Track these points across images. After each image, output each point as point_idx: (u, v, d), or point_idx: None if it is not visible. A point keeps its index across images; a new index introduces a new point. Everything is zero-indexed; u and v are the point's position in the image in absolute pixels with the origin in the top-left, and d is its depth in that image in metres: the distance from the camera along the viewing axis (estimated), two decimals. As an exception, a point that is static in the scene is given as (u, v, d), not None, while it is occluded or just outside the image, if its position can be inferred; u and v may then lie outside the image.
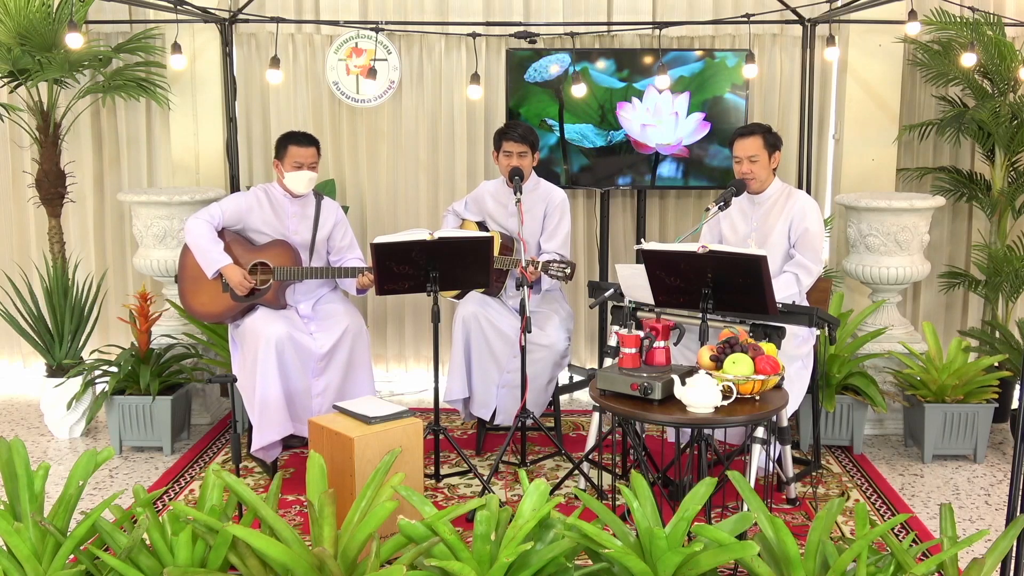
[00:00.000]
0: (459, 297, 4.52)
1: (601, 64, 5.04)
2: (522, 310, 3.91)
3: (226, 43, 5.11)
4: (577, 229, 5.49)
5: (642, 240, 5.22)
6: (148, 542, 2.65)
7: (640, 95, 5.05)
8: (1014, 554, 2.63)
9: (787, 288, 3.92)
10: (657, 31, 5.10)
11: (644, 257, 3.48)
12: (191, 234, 4.17)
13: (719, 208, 3.90)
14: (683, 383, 3.18)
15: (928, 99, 5.32)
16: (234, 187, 5.18)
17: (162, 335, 4.79)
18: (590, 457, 3.95)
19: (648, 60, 5.03)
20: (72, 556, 2.65)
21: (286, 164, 4.25)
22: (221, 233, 4.23)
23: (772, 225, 4.04)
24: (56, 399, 4.68)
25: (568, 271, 4.03)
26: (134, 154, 5.53)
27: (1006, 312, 5.03)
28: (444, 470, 4.21)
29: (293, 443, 4.43)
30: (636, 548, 2.51)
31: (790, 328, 3.77)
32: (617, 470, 3.94)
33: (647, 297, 3.62)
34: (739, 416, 3.15)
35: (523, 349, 4.01)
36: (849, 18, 4.96)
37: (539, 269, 4.06)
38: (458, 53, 5.36)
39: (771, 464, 3.76)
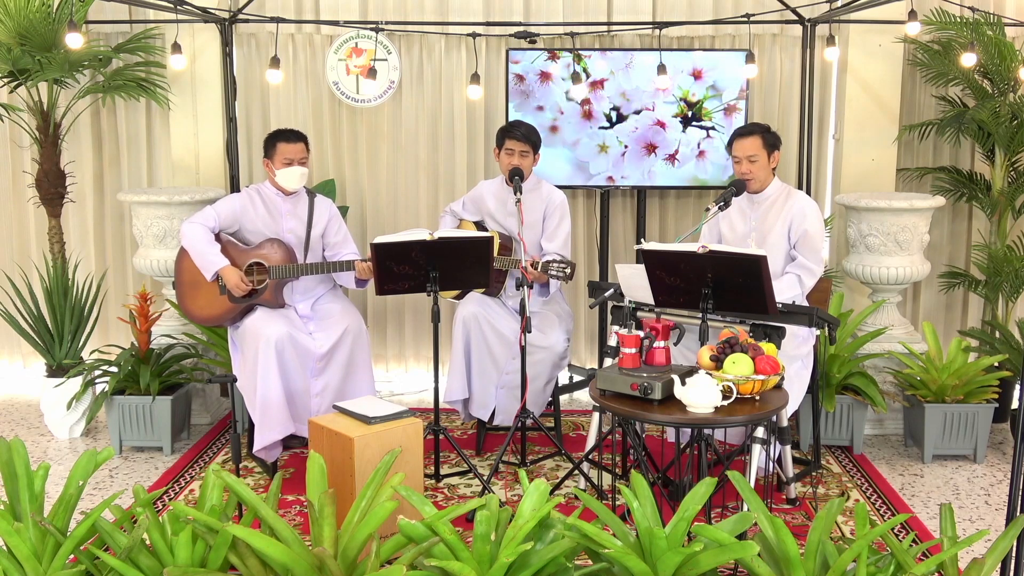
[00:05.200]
0: (459, 298, 4.52)
1: (601, 64, 5.04)
2: (522, 310, 3.91)
3: (226, 43, 5.11)
4: (577, 229, 5.49)
5: (642, 240, 5.22)
6: (148, 542, 2.65)
7: (640, 95, 5.06)
8: (1014, 554, 2.63)
9: (790, 289, 3.92)
10: (657, 31, 5.10)
11: (644, 257, 3.48)
12: (187, 238, 4.18)
13: (719, 208, 3.90)
14: (683, 383, 3.18)
15: (928, 99, 5.32)
16: (234, 187, 5.18)
17: (162, 335, 4.79)
18: (590, 457, 3.95)
19: (648, 60, 5.03)
20: (72, 556, 2.65)
21: (276, 161, 4.26)
22: (216, 236, 4.23)
23: (771, 225, 4.04)
24: (56, 399, 4.68)
25: (568, 271, 4.03)
26: (134, 154, 5.53)
27: (1006, 312, 5.03)
28: (444, 470, 4.21)
29: (293, 443, 4.43)
30: (636, 548, 2.51)
31: (790, 328, 3.78)
32: (617, 470, 3.94)
33: (647, 297, 3.62)
34: (739, 416, 3.15)
35: (523, 349, 4.00)
36: (849, 18, 4.96)
37: (539, 269, 4.06)
38: (458, 53, 5.36)
39: (771, 464, 3.76)
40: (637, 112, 5.06)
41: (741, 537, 2.58)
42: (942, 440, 4.36)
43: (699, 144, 5.07)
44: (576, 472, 4.04)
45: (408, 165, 5.47)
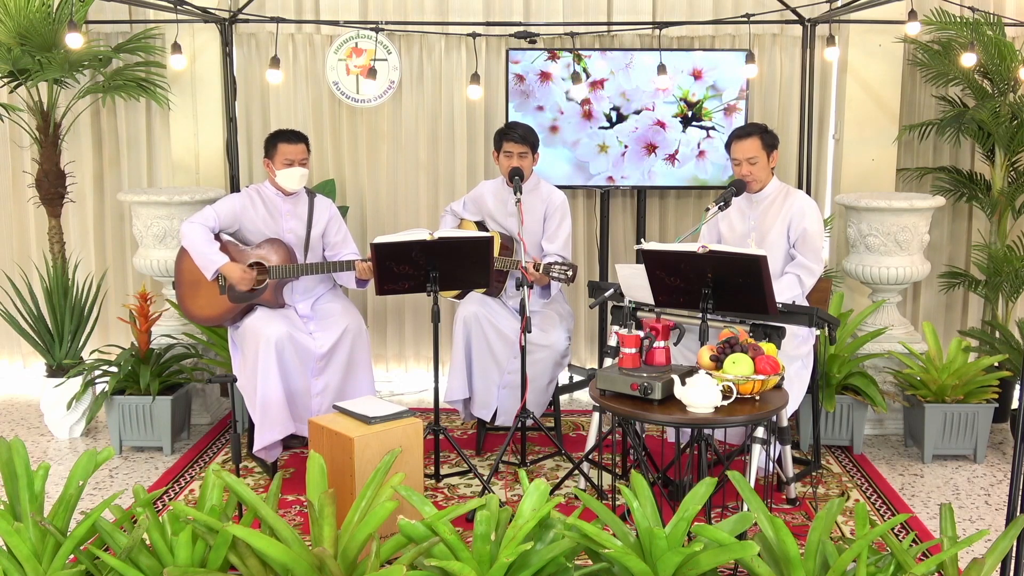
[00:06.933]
0: (460, 297, 4.52)
1: (601, 64, 5.04)
2: (522, 310, 3.91)
3: (226, 43, 5.11)
4: (577, 229, 5.49)
5: (642, 240, 5.22)
6: (148, 542, 2.65)
7: (640, 95, 5.05)
8: (1014, 554, 2.63)
9: (790, 290, 3.92)
10: (657, 31, 5.10)
11: (644, 257, 3.48)
12: (187, 238, 4.19)
13: (719, 208, 3.90)
14: (683, 383, 3.18)
15: (928, 99, 5.32)
16: (234, 187, 5.18)
17: (162, 335, 4.79)
18: (590, 457, 3.95)
19: (648, 60, 5.03)
20: (72, 556, 2.65)
21: (276, 162, 4.26)
22: (216, 236, 4.23)
23: (771, 224, 4.04)
24: (56, 399, 4.68)
25: (570, 273, 4.03)
26: (134, 154, 5.53)
27: (1006, 312, 5.03)
28: (444, 470, 4.21)
29: (293, 443, 4.43)
30: (636, 548, 2.51)
31: (790, 328, 3.78)
32: (617, 470, 3.94)
33: (647, 297, 3.62)
34: (739, 416, 3.15)
35: (523, 349, 4.01)
36: (849, 18, 4.96)
37: (540, 270, 4.06)
38: (458, 53, 5.36)
39: (771, 464, 3.76)
40: (637, 112, 5.06)
41: (741, 537, 2.58)
42: (942, 440, 4.36)
43: (699, 144, 5.07)
44: (576, 472, 4.04)
45: (408, 165, 5.47)
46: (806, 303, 4.04)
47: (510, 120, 4.91)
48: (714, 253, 3.31)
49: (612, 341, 3.81)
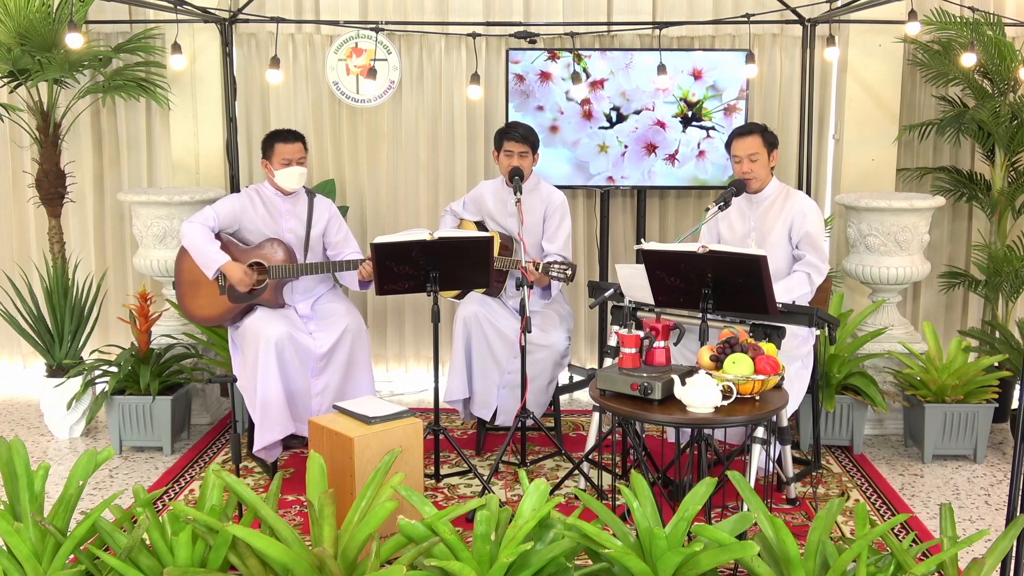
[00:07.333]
0: (460, 297, 4.52)
1: (601, 64, 5.04)
2: (522, 310, 3.91)
3: (226, 43, 5.11)
4: (577, 229, 5.49)
5: (642, 240, 5.22)
6: (148, 542, 2.65)
7: (640, 95, 5.05)
8: (1014, 554, 2.63)
9: (800, 287, 3.92)
10: (657, 31, 5.10)
11: (644, 257, 3.48)
12: (187, 238, 4.19)
13: (719, 208, 3.90)
14: (683, 383, 3.18)
15: (928, 99, 5.32)
16: (234, 187, 5.18)
17: (162, 335, 4.79)
18: (590, 457, 3.95)
19: (648, 60, 5.03)
20: (72, 556, 2.65)
21: (274, 162, 4.26)
22: (216, 236, 4.23)
23: (771, 225, 4.04)
24: (56, 399, 4.68)
25: (569, 272, 4.03)
26: (134, 154, 5.53)
27: (1006, 312, 5.03)
28: (444, 470, 4.21)
29: (293, 443, 4.43)
30: (636, 548, 2.51)
31: (790, 328, 3.78)
32: (617, 470, 3.94)
33: (647, 297, 3.62)
34: (739, 416, 3.15)
35: (523, 349, 4.01)
36: (849, 18, 4.96)
37: (540, 270, 4.06)
38: (458, 53, 5.36)
39: (771, 464, 3.76)
40: (637, 112, 5.06)
41: (741, 537, 2.58)
42: (942, 440, 4.36)
43: (699, 144, 5.07)
44: (576, 472, 4.04)
45: (408, 165, 5.47)
46: (806, 303, 4.04)
47: (510, 120, 4.91)
48: (714, 253, 3.31)
49: (612, 341, 3.81)
